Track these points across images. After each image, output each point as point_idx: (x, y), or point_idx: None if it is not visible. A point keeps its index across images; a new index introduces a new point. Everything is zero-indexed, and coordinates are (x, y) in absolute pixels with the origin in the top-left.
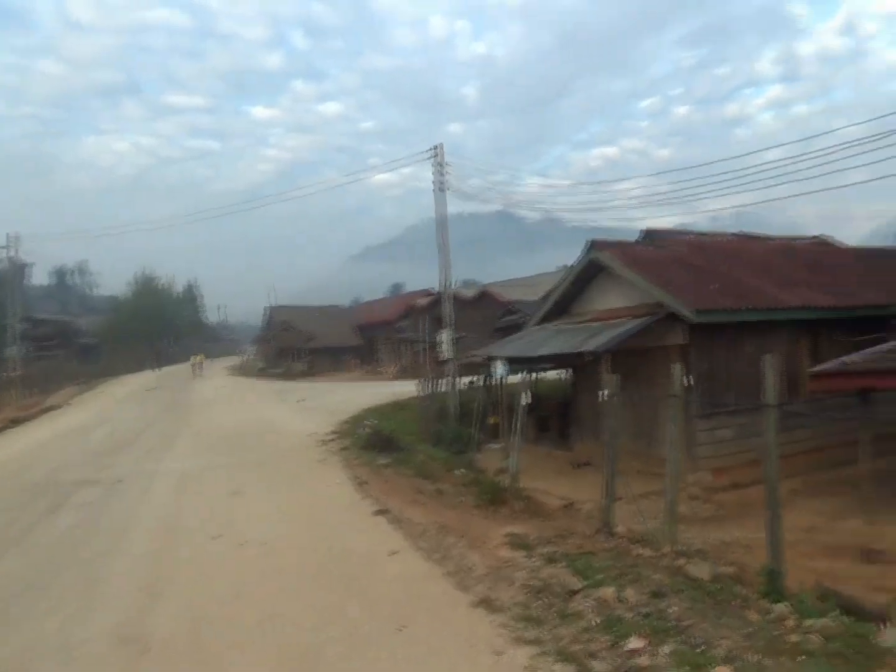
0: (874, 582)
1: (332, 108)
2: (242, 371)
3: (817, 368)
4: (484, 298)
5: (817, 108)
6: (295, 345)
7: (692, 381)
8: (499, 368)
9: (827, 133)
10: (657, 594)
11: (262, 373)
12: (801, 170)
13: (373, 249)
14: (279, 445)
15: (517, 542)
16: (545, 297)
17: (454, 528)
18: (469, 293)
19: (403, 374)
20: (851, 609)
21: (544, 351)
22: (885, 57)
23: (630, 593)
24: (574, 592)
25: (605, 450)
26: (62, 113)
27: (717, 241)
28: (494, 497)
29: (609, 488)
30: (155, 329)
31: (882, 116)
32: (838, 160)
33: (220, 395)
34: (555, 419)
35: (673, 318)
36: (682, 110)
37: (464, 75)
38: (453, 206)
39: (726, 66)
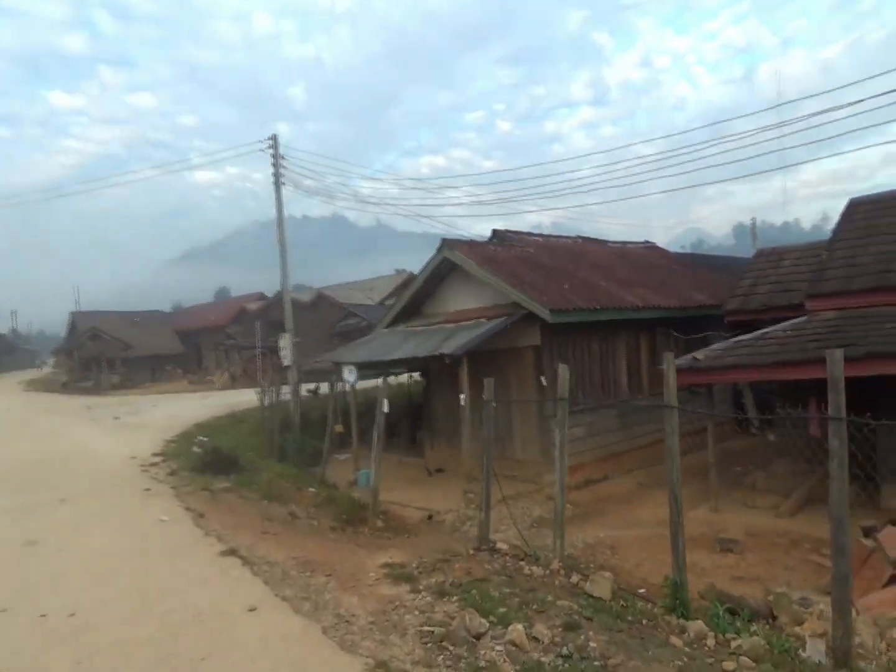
0: (734, 572)
1: (145, 99)
2: (43, 386)
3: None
4: (320, 302)
5: (622, 130)
6: (106, 354)
7: (546, 382)
8: (349, 374)
9: (628, 146)
10: (569, 626)
11: (67, 388)
12: (607, 184)
13: (195, 253)
14: (92, 475)
15: (397, 575)
16: (395, 299)
17: (319, 562)
18: (305, 297)
19: (236, 382)
20: (741, 609)
21: (399, 355)
22: (675, 90)
23: (541, 629)
24: (480, 636)
25: (483, 460)
26: None
27: (562, 242)
28: (352, 517)
29: (485, 501)
30: None
31: (670, 136)
32: (639, 175)
33: (11, 417)
34: (403, 424)
35: (528, 318)
36: (505, 125)
37: (291, 76)
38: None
39: (543, 87)
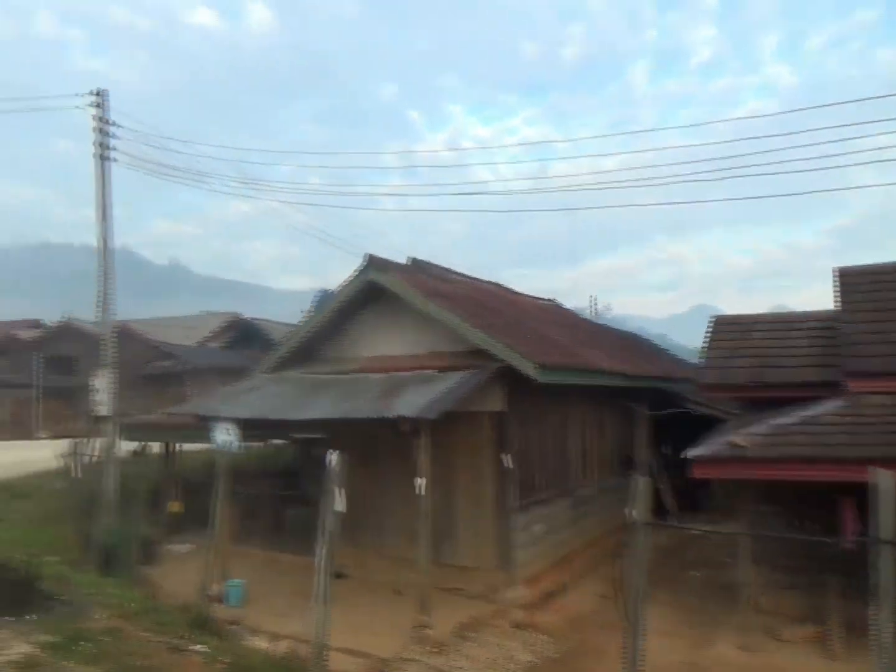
0: None
1: None
2: None
3: (699, 452)
4: (125, 337)
5: (429, 204)
6: None
7: (510, 463)
8: (225, 435)
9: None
10: None
11: None
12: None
13: None
14: None
15: None
16: (288, 336)
17: None
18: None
19: (2, 431)
20: None
21: (315, 413)
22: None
23: None
24: None
25: None
26: None
27: (484, 285)
28: None
29: None
30: None
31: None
32: (445, 249)
33: None
34: (272, 504)
35: (495, 375)
36: (315, 180)
37: (76, 89)
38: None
39: (356, 150)
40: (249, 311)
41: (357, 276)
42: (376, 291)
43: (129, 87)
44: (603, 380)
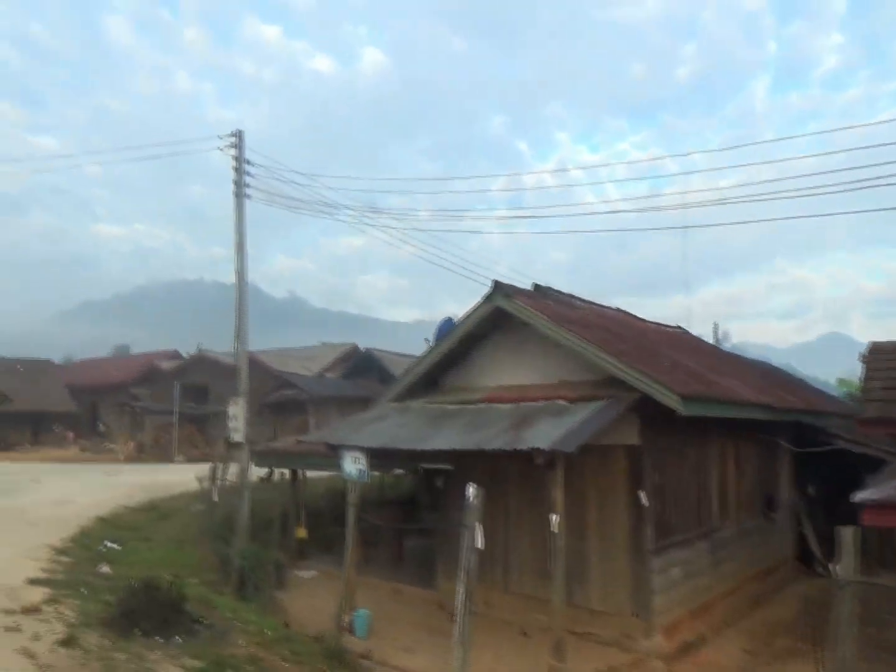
0: None
1: (48, 142)
2: None
3: (871, 496)
4: (250, 367)
5: (534, 231)
6: None
7: (647, 501)
8: (353, 464)
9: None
10: None
11: None
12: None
13: (93, 306)
14: None
15: None
16: (411, 366)
17: None
18: (231, 360)
19: (143, 454)
20: None
21: (443, 444)
22: (586, 198)
23: None
24: None
25: None
26: None
27: (609, 311)
28: None
29: None
30: None
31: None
32: (551, 277)
33: None
34: (391, 534)
35: (630, 406)
36: (424, 214)
37: (209, 139)
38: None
39: (463, 182)
40: (360, 342)
41: (483, 302)
42: (502, 318)
43: (255, 131)
44: (746, 412)
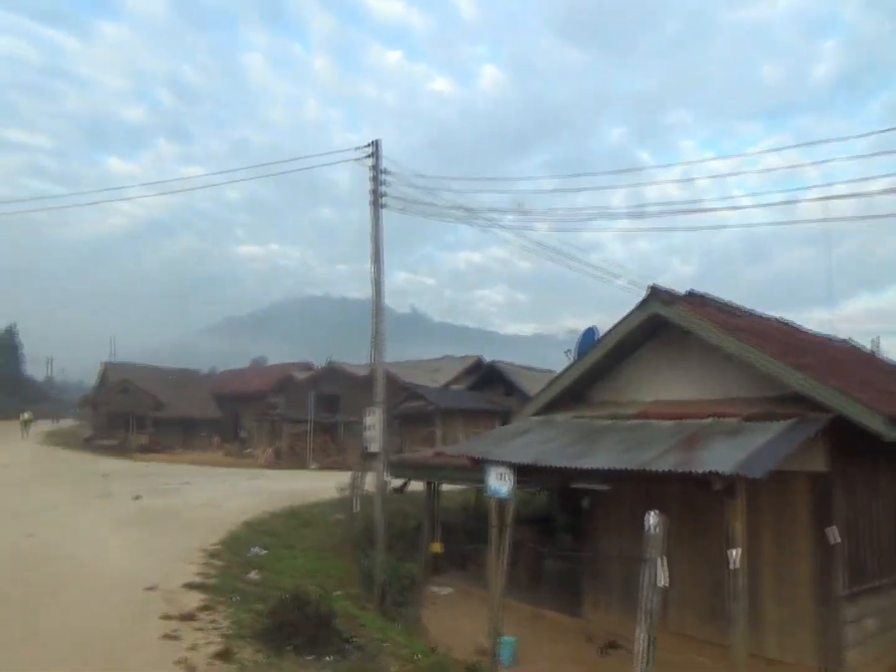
0: None
1: (196, 172)
2: (63, 440)
3: None
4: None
5: (657, 246)
6: (135, 411)
7: (836, 539)
8: (498, 480)
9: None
10: None
11: (89, 444)
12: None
13: (232, 322)
14: (72, 626)
15: None
16: (552, 381)
17: None
18: (360, 371)
19: (280, 460)
20: None
21: (599, 462)
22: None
23: None
24: None
25: None
26: None
27: (770, 321)
28: None
29: None
30: None
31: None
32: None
33: (8, 481)
34: (529, 554)
35: (822, 428)
36: (542, 227)
37: (346, 149)
38: (318, 288)
39: (582, 196)
40: (480, 356)
41: (637, 309)
42: (658, 327)
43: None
44: None
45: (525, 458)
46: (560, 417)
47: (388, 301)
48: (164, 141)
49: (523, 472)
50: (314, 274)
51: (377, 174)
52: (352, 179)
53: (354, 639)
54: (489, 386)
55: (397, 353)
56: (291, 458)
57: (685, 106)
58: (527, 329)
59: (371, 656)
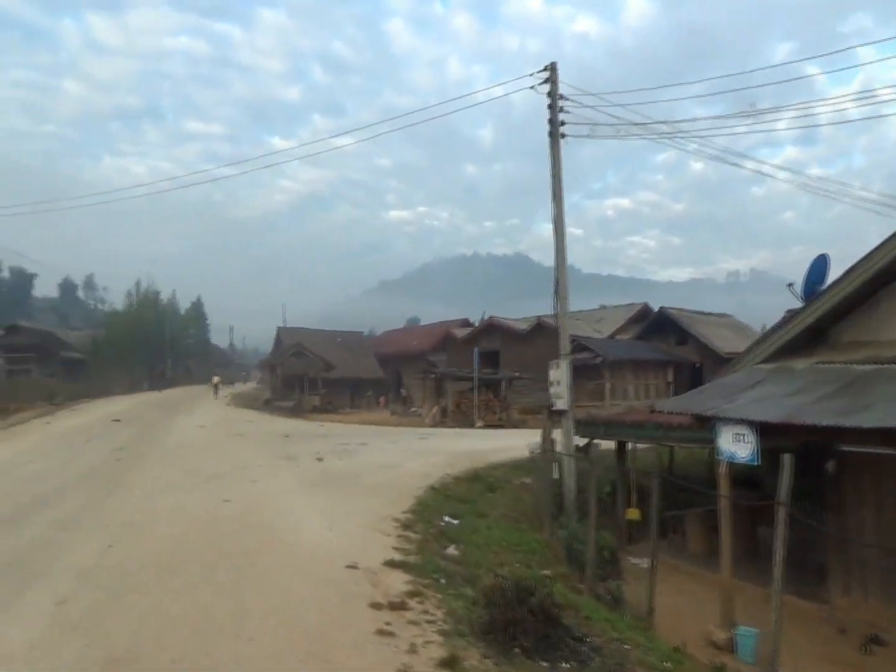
0: None
1: (346, 143)
2: (245, 402)
3: None
4: (539, 332)
5: (833, 171)
6: (308, 373)
7: None
8: (736, 443)
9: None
10: None
11: (268, 405)
12: (817, 231)
13: (388, 284)
14: (278, 613)
15: None
16: (789, 321)
17: None
18: (521, 325)
19: (447, 419)
20: None
21: (887, 419)
22: None
23: None
24: None
25: None
26: (82, 133)
27: None
28: None
29: None
30: (155, 347)
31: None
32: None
33: (203, 441)
34: (743, 522)
35: None
36: (697, 166)
37: (479, 119)
38: (466, 247)
39: (741, 125)
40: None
41: None
42: None
43: (521, 106)
44: None
45: (773, 416)
46: (799, 364)
47: (536, 255)
48: (318, 117)
49: (763, 433)
50: (462, 232)
51: (554, 101)
52: (495, 133)
53: (587, 638)
54: (658, 335)
55: (548, 307)
56: (457, 417)
57: (864, 9)
58: (682, 274)
59: (616, 666)
